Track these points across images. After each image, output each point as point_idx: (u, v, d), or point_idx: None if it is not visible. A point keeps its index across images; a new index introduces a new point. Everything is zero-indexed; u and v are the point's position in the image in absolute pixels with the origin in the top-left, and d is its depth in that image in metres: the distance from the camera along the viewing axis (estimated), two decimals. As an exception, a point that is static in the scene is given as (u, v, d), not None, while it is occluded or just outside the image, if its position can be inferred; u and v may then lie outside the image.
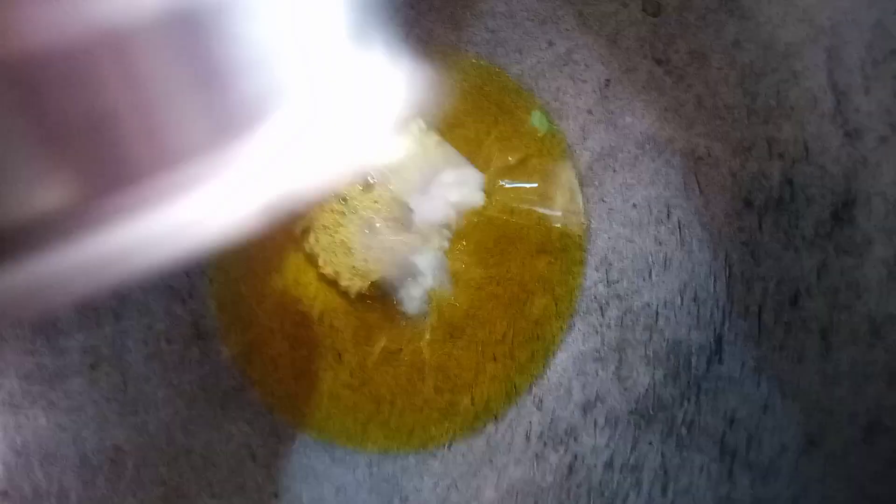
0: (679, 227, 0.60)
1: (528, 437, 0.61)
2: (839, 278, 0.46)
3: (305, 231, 0.62)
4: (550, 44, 0.64)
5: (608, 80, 0.64)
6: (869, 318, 0.44)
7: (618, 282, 0.63)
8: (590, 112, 0.64)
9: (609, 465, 0.59)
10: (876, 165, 0.44)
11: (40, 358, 0.54)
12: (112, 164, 0.20)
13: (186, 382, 0.62)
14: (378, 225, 0.62)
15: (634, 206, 0.64)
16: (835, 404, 0.44)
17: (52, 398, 0.53)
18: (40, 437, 0.52)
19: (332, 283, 0.63)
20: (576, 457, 0.61)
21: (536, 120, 0.65)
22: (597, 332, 0.63)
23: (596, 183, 0.65)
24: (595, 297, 0.63)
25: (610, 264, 0.63)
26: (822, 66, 0.47)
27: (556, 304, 0.64)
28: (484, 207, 0.64)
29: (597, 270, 0.64)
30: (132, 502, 0.55)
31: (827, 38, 0.46)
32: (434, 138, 0.63)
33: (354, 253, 0.62)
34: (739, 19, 0.53)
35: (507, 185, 0.65)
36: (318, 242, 0.62)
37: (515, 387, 0.63)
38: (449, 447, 0.61)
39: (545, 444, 0.62)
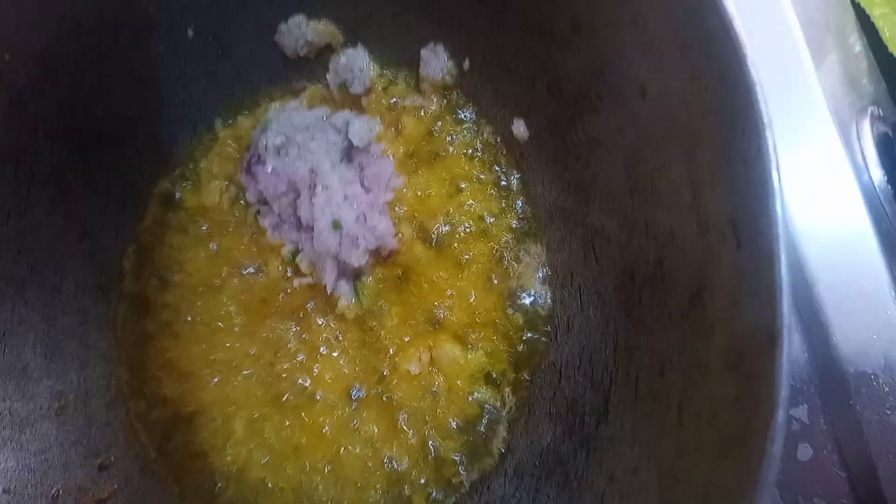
0: (580, 293, 0.65)
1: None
2: (692, 357, 0.50)
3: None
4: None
5: (522, 153, 0.69)
6: (710, 397, 0.48)
7: (532, 339, 0.68)
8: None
9: (515, 514, 0.64)
10: (718, 259, 0.48)
11: (10, 403, 0.59)
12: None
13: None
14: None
15: (545, 270, 0.69)
16: (682, 475, 0.49)
17: (21, 441, 0.59)
18: (9, 479, 0.58)
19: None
20: (488, 504, 0.66)
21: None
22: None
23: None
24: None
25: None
26: (682, 162, 0.51)
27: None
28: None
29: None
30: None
31: (685, 136, 0.50)
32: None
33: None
34: (622, 108, 0.57)
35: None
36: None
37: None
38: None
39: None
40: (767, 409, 0.40)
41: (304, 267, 0.69)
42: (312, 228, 0.68)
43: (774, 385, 0.40)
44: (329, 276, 0.67)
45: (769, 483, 0.40)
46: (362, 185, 0.69)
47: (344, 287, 0.68)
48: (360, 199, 0.68)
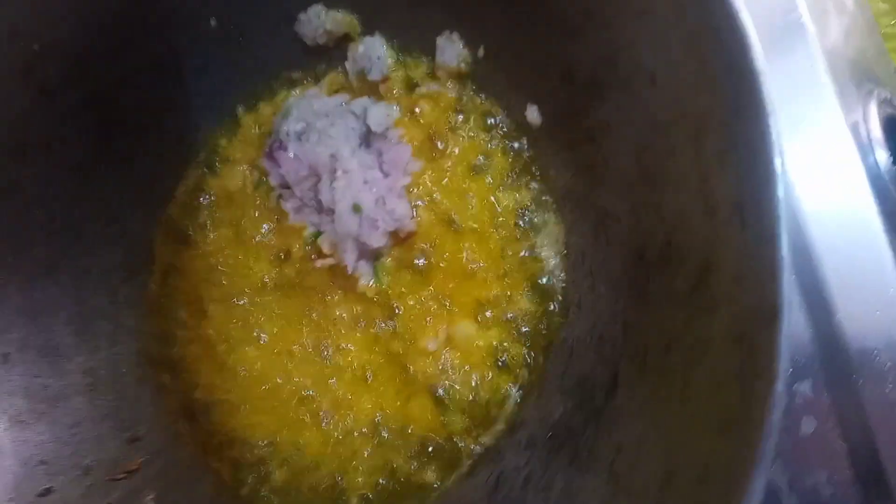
0: (591, 273, 0.67)
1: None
2: (696, 335, 0.52)
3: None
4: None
5: (535, 138, 0.71)
6: (713, 372, 0.50)
7: (544, 317, 0.71)
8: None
9: (527, 482, 0.67)
10: (723, 241, 0.50)
11: (44, 379, 0.62)
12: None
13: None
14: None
15: (559, 250, 0.71)
16: (687, 446, 0.51)
17: (55, 416, 0.62)
18: (45, 451, 0.61)
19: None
20: (501, 474, 0.69)
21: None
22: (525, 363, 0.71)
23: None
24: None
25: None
26: (690, 147, 0.53)
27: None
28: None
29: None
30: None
31: (692, 122, 0.52)
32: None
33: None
34: (631, 95, 0.59)
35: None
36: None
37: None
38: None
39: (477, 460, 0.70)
40: (767, 381, 0.42)
41: (325, 248, 0.71)
42: (333, 211, 0.70)
43: (775, 359, 0.42)
44: (350, 257, 0.70)
45: (769, 452, 0.42)
46: (381, 169, 0.71)
47: (364, 267, 0.71)
48: (379, 183, 0.70)
